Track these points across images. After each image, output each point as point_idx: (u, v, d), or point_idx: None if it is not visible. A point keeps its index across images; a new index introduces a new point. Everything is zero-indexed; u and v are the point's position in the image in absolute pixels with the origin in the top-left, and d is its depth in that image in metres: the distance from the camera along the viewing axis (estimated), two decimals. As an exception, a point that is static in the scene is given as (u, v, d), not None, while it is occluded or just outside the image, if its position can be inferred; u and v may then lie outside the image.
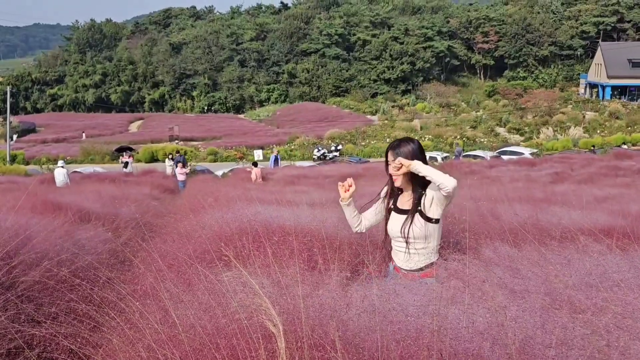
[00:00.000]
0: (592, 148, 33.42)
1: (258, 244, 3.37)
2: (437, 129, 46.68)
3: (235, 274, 2.38)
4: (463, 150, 32.87)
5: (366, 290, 2.24)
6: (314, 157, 36.90)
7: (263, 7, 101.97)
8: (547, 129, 45.01)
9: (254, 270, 2.61)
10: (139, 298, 2.65)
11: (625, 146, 34.77)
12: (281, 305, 2.02)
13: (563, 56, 73.15)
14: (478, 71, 77.32)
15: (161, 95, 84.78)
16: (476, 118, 51.88)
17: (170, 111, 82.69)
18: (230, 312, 2.08)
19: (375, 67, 72.98)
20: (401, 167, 2.88)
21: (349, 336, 1.87)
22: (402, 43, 72.77)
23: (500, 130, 48.05)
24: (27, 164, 36.93)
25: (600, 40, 66.49)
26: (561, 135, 43.19)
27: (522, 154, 30.25)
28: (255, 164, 19.41)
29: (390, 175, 3.03)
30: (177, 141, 45.52)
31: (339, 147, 39.21)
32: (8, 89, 42.33)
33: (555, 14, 75.74)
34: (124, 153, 31.67)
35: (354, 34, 77.78)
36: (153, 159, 37.50)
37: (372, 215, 3.24)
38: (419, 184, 2.93)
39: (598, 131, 44.69)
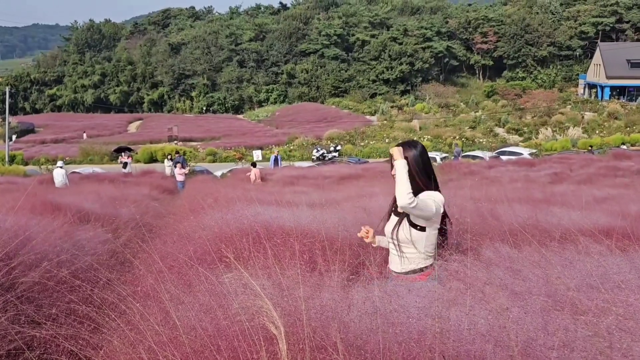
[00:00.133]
0: (590, 148, 33.45)
1: (258, 245, 3.37)
2: (436, 130, 46.69)
3: (236, 275, 2.38)
4: (462, 150, 32.88)
5: (367, 291, 2.24)
6: (313, 157, 36.89)
7: (262, 8, 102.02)
8: (546, 129, 45.05)
9: (254, 271, 2.61)
10: (139, 299, 2.64)
11: (624, 146, 34.81)
12: (282, 307, 2.02)
13: (562, 56, 73.21)
14: (477, 72, 77.36)
15: (160, 96, 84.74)
16: (475, 118, 51.90)
17: (169, 111, 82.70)
18: (232, 313, 2.07)
19: (374, 67, 72.99)
20: (392, 157, 2.97)
21: (351, 338, 1.86)
22: (401, 43, 72.78)
23: (499, 130, 48.09)
24: (26, 164, 36.90)
25: (599, 41, 66.56)
26: (560, 135, 43.22)
27: (521, 154, 30.26)
28: (254, 165, 19.40)
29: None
30: (176, 142, 45.51)
31: (338, 148, 39.21)
32: (7, 89, 42.32)
33: (554, 14, 75.81)
34: (123, 153, 31.66)
35: (353, 35, 77.78)
36: (152, 159, 37.45)
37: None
38: (413, 189, 2.89)
39: (597, 132, 44.73)
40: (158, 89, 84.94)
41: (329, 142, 43.32)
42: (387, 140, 42.85)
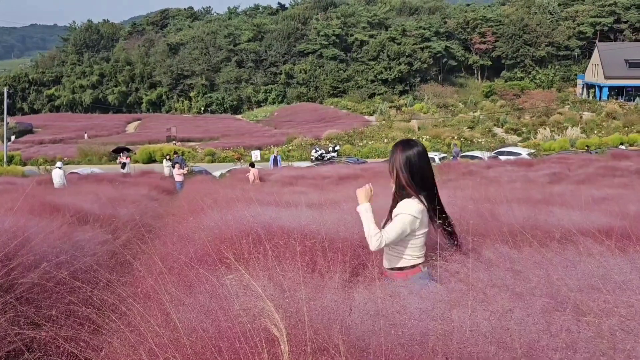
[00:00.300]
0: (586, 148, 33.47)
1: (259, 246, 3.36)
2: (435, 130, 46.71)
3: (237, 276, 2.37)
4: (461, 150, 32.89)
5: (369, 292, 2.23)
6: (311, 157, 36.89)
7: (260, 8, 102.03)
8: (545, 129, 45.09)
9: (255, 272, 2.60)
10: (139, 301, 2.63)
11: (623, 146, 34.84)
12: (284, 308, 2.01)
13: (560, 57, 73.29)
14: (475, 72, 77.41)
15: (158, 96, 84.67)
16: (474, 119, 51.95)
17: (167, 112, 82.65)
18: (233, 315, 2.06)
19: (373, 67, 73.00)
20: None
21: (353, 339, 1.85)
22: (399, 44, 72.81)
23: (498, 130, 48.12)
24: (25, 165, 36.87)
25: (597, 41, 66.61)
26: (558, 135, 43.26)
27: (520, 154, 30.28)
28: (252, 165, 19.39)
29: None
30: (174, 142, 45.47)
31: (336, 148, 39.22)
32: (5, 89, 42.30)
33: (552, 14, 75.88)
34: (122, 154, 31.56)
35: (352, 35, 77.79)
36: (151, 159, 37.43)
37: None
38: (400, 196, 3.01)
39: (595, 132, 44.78)
40: (156, 89, 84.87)
41: (327, 142, 43.33)
42: (385, 141, 42.88)
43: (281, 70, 77.49)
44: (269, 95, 77.50)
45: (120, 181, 15.78)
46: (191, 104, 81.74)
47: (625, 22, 71.97)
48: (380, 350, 1.77)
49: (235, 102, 79.89)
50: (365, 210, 2.95)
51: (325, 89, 73.75)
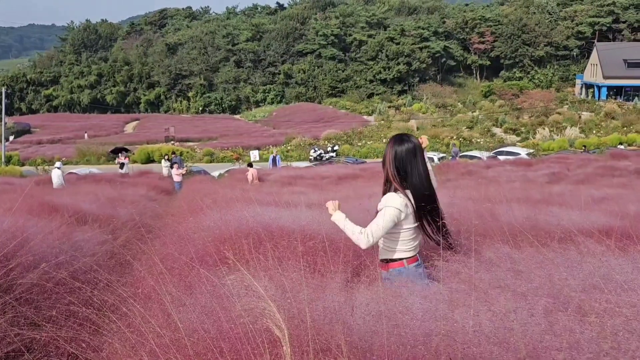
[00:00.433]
0: (584, 148, 33.49)
1: (259, 247, 3.35)
2: (434, 130, 46.71)
3: (238, 277, 2.36)
4: (459, 150, 32.91)
5: (371, 293, 2.22)
6: (310, 157, 36.88)
7: (259, 8, 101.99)
8: (544, 129, 45.10)
9: (256, 273, 2.59)
10: (140, 301, 2.62)
11: (621, 146, 34.86)
12: (286, 309, 2.00)
13: (559, 56, 73.32)
14: (474, 72, 77.41)
15: (157, 96, 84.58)
16: (472, 118, 51.96)
17: (166, 112, 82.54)
18: (234, 315, 2.05)
19: (372, 67, 72.99)
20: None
21: (355, 340, 1.85)
22: (398, 43, 72.80)
23: (497, 130, 48.14)
24: (23, 165, 36.82)
25: (595, 41, 66.64)
26: (557, 135, 43.28)
27: (519, 154, 30.29)
28: (250, 165, 19.37)
29: None
30: (173, 142, 45.42)
31: (335, 148, 39.21)
32: (3, 89, 42.15)
33: (550, 14, 75.92)
34: (120, 154, 31.53)
35: (350, 35, 77.76)
36: (149, 160, 37.39)
37: None
38: (387, 189, 3.09)
39: (594, 131, 44.81)
40: (155, 89, 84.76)
41: (326, 142, 43.31)
42: (384, 141, 42.85)
43: (280, 70, 77.43)
44: (268, 95, 77.44)
45: (119, 181, 15.76)
46: (189, 104, 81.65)
47: (624, 22, 72.01)
48: (383, 350, 1.76)
49: (233, 102, 79.82)
50: (340, 219, 3.01)
51: (324, 89, 73.71)
